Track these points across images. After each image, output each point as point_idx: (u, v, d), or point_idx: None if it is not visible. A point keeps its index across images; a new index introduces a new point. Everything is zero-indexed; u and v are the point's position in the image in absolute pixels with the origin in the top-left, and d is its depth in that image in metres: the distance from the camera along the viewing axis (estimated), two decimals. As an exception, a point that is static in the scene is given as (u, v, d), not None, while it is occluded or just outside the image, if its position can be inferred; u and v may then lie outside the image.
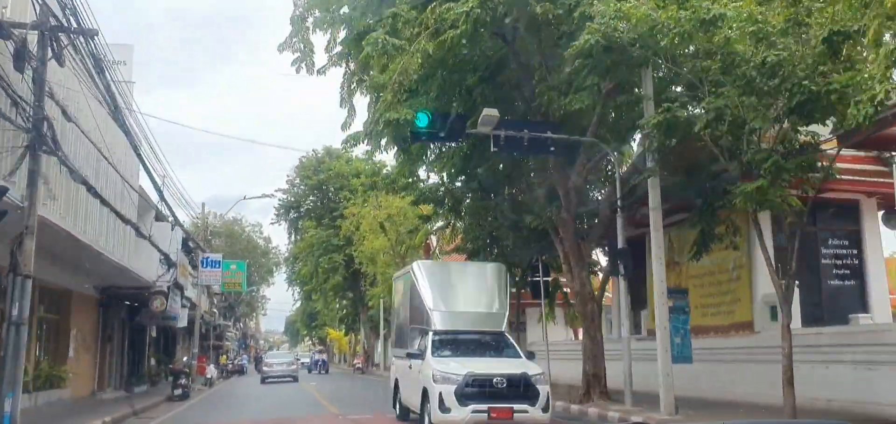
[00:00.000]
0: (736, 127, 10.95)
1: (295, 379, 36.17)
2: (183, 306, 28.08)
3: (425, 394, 11.88)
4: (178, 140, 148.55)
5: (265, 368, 38.44)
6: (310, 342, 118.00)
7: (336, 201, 50.50)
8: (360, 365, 49.95)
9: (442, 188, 23.20)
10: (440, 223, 27.12)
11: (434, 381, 11.56)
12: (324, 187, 51.81)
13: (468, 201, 22.48)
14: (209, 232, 55.01)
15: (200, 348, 53.08)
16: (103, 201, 15.37)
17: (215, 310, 44.76)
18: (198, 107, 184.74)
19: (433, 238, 31.41)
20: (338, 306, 59.41)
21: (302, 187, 51.83)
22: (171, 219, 25.03)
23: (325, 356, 56.41)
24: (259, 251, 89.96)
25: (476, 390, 11.31)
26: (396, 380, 14.86)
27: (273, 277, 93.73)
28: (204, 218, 34.44)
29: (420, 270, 14.39)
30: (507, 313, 14.18)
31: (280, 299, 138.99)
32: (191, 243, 29.81)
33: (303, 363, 53.88)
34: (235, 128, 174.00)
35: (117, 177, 19.82)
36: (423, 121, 14.32)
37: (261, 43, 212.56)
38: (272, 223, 52.23)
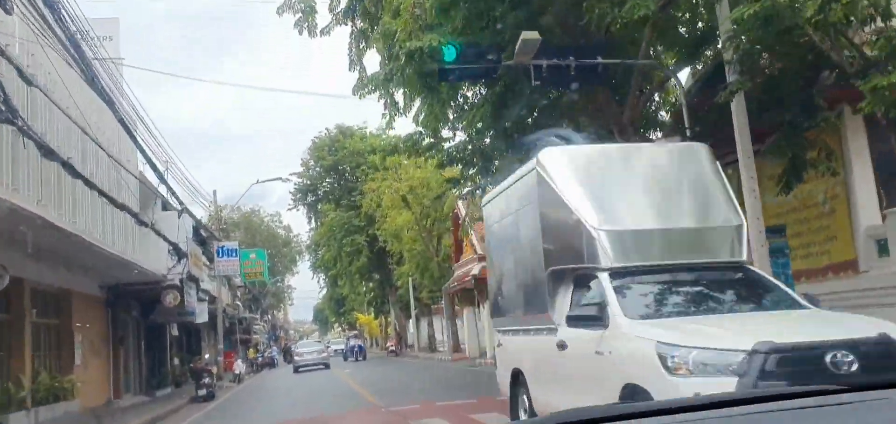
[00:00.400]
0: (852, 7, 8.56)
1: (326, 366, 35.89)
2: (200, 299, 26.18)
3: (634, 395, 5.72)
4: (176, 132, 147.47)
5: (296, 358, 38.29)
6: (339, 328, 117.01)
7: (353, 181, 48.45)
8: (393, 348, 48.15)
9: (469, 146, 20.93)
10: (468, 188, 24.89)
11: (669, 369, 5.52)
12: (340, 168, 49.75)
13: (500, 159, 20.28)
14: (225, 223, 53.60)
15: (227, 343, 51.64)
16: (87, 182, 13.27)
17: (239, 303, 43.02)
18: (195, 104, 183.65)
19: (461, 205, 29.17)
20: (364, 289, 57.55)
21: (317, 168, 49.83)
22: (178, 207, 23.03)
23: (360, 341, 54.73)
24: (280, 241, 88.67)
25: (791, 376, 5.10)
26: (517, 372, 8.62)
27: (297, 266, 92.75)
28: (216, 207, 32.48)
29: (559, 162, 7.76)
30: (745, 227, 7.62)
31: (306, 288, 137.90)
32: (202, 232, 27.79)
33: (336, 351, 51.92)
34: (237, 123, 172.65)
35: (112, 163, 17.81)
36: (450, 53, 12.00)
37: (261, 41, 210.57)
38: (289, 209, 49.94)
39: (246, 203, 62.92)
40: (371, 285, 53.95)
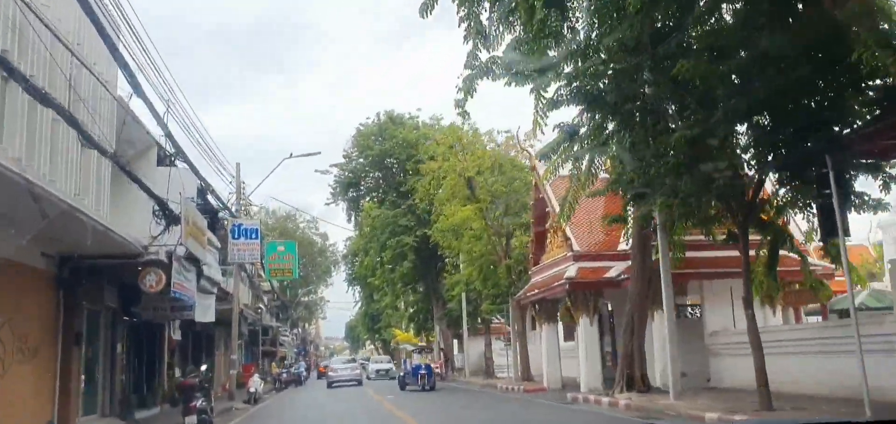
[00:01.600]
0: None
1: (359, 383, 36.78)
2: (204, 290, 19.39)
3: None
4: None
5: (331, 373, 38.94)
6: (370, 346, 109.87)
7: (402, 176, 41.63)
8: (438, 370, 40.94)
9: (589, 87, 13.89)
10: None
11: None
12: (386, 162, 42.94)
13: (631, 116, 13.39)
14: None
15: (247, 354, 45.08)
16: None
17: (262, 306, 36.26)
18: (241, 121, 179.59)
19: (549, 191, 22.04)
20: (406, 301, 50.49)
21: (361, 159, 43.01)
22: (175, 158, 16.28)
23: (428, 360, 48.17)
24: (315, 249, 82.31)
25: None
26: None
27: (331, 277, 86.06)
28: (239, 184, 25.80)
29: None
30: None
31: (339, 303, 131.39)
32: (210, 195, 20.90)
33: (378, 372, 46.47)
34: (276, 136, 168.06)
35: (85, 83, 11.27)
36: None
37: (301, 58, 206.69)
38: (328, 204, 42.88)
39: (271, 173, 56.15)
40: (414, 297, 46.83)
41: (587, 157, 15.83)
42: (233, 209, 24.47)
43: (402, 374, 26.92)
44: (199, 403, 15.30)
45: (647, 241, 17.21)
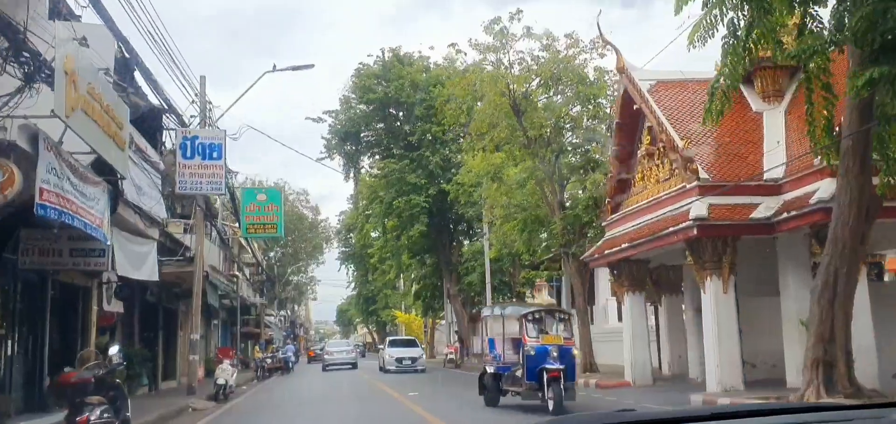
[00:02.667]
0: None
1: (354, 366, 35.77)
2: (135, 231, 12.15)
3: None
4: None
5: (326, 356, 38.22)
6: (365, 330, 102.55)
7: (410, 127, 34.43)
8: (452, 356, 33.84)
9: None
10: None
11: None
12: (391, 111, 35.65)
13: None
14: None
15: (225, 336, 37.91)
16: None
17: (239, 276, 28.90)
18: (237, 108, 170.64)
19: (652, 102, 14.93)
20: (414, 275, 43.33)
21: (361, 105, 35.56)
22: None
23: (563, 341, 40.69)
24: (306, 224, 74.97)
25: None
26: None
27: (322, 255, 78.71)
28: (203, 97, 18.32)
29: None
30: None
31: (331, 280, 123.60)
32: (151, 90, 13.37)
33: (403, 360, 39.58)
34: (278, 119, 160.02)
35: None
36: None
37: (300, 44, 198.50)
38: (321, 159, 35.33)
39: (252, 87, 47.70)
40: (422, 270, 39.62)
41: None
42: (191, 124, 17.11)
43: (494, 369, 13.93)
44: (93, 416, 8.17)
45: (868, 146, 10.18)
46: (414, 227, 32.90)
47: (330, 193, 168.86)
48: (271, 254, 74.02)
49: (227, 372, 19.21)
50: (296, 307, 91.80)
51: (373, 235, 62.13)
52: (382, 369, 30.49)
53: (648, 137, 15.76)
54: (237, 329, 34.64)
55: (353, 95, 35.60)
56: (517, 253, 23.26)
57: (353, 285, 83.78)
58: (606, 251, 16.67)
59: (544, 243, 21.69)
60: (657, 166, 15.57)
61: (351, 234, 77.03)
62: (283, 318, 76.39)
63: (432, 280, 39.54)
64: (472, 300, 34.77)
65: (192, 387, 18.91)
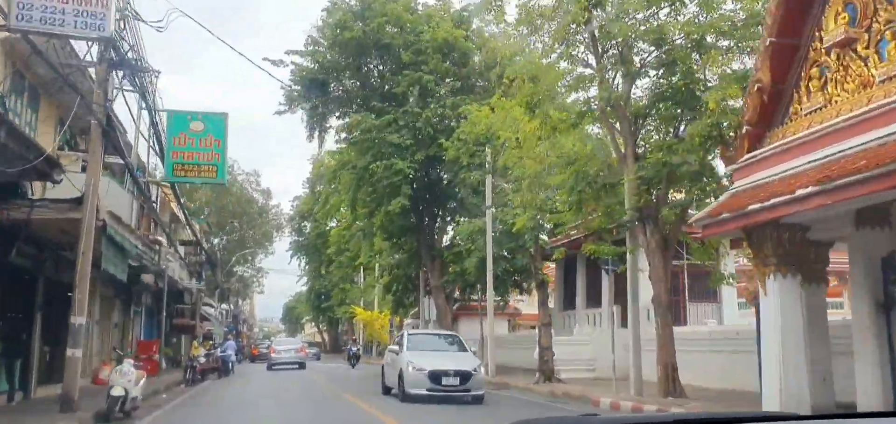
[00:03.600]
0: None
1: (302, 366, 32.76)
2: None
3: None
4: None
5: (273, 355, 35.32)
6: (312, 329, 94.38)
7: (395, 73, 27.61)
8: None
9: None
10: None
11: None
12: (369, 57, 28.72)
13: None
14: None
15: (150, 326, 30.27)
16: None
17: (162, 242, 21.33)
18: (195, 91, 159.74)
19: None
20: (383, 264, 36.26)
21: (333, 51, 28.42)
22: None
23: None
24: (255, 209, 67.07)
25: None
26: None
27: (272, 244, 70.80)
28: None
29: None
30: None
31: (277, 278, 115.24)
32: None
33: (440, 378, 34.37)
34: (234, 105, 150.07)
35: None
36: None
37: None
38: (281, 112, 27.90)
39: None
40: (399, 255, 32.66)
41: None
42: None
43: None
44: None
45: None
46: (394, 200, 26.04)
47: (285, 190, 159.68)
48: (216, 240, 66.10)
49: (126, 378, 12.02)
50: (239, 301, 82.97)
51: (332, 221, 55.00)
52: (390, 391, 16.34)
53: (844, 17, 9.44)
54: (162, 318, 27.09)
55: (322, 38, 28.50)
56: (558, 225, 16.53)
57: (304, 279, 76.09)
58: (750, 207, 10.22)
59: (600, 209, 15.12)
60: (862, 60, 9.26)
61: (305, 222, 69.45)
62: (224, 312, 68.12)
63: (408, 270, 32.67)
64: (464, 292, 28.17)
65: (70, 398, 11.76)
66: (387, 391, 16.53)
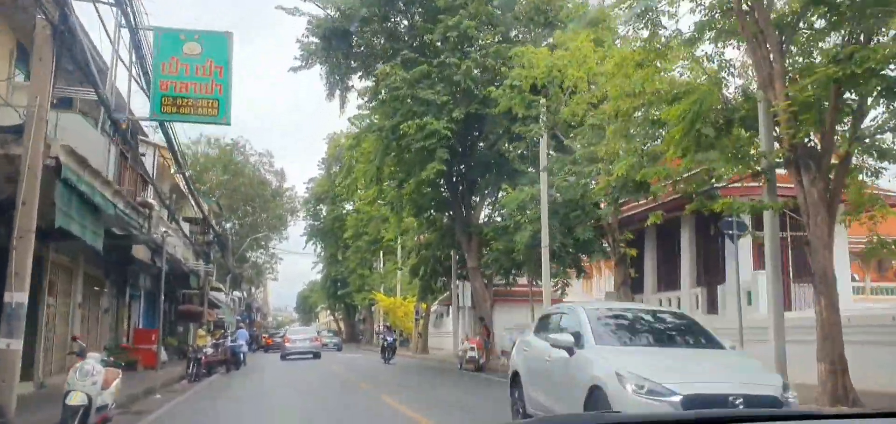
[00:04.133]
0: None
1: (317, 356, 31.11)
2: None
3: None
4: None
5: (287, 344, 33.17)
6: (330, 317, 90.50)
7: (425, 23, 23.85)
8: (475, 353, 23.27)
9: None
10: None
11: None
12: (394, 3, 24.93)
13: None
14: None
15: (149, 313, 26.73)
16: None
17: (153, 206, 17.51)
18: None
19: None
20: (412, 243, 32.57)
21: (356, -2, 24.55)
22: None
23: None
24: (268, 192, 63.75)
25: None
26: None
27: (286, 228, 67.42)
28: None
29: None
30: None
31: (291, 265, 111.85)
32: None
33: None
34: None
35: None
36: None
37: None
38: (297, 69, 23.96)
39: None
40: (432, 232, 28.90)
41: None
42: None
43: None
44: None
45: None
46: (428, 165, 22.31)
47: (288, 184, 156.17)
48: (228, 225, 62.78)
49: (89, 380, 8.40)
50: (253, 289, 79.39)
51: (352, 202, 51.31)
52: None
53: None
54: (161, 301, 23.55)
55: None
56: (664, 177, 12.69)
57: (320, 265, 72.51)
58: None
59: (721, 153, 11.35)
60: None
61: (321, 204, 65.82)
62: (237, 299, 64.90)
63: (437, 251, 28.94)
64: (508, 275, 24.43)
65: (3, 412, 8.16)
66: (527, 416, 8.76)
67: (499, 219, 24.32)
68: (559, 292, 22.99)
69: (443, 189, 25.74)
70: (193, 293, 30.70)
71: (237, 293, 61.45)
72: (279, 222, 63.30)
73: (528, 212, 19.90)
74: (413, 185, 23.82)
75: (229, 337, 25.19)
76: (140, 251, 19.00)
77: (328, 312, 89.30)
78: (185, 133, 52.13)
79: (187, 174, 25.30)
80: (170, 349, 25.80)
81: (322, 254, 68.33)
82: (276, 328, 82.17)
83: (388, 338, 28.54)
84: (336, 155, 60.21)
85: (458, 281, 28.82)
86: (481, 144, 25.27)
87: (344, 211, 61.39)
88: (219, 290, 34.50)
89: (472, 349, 23.26)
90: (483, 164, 24.58)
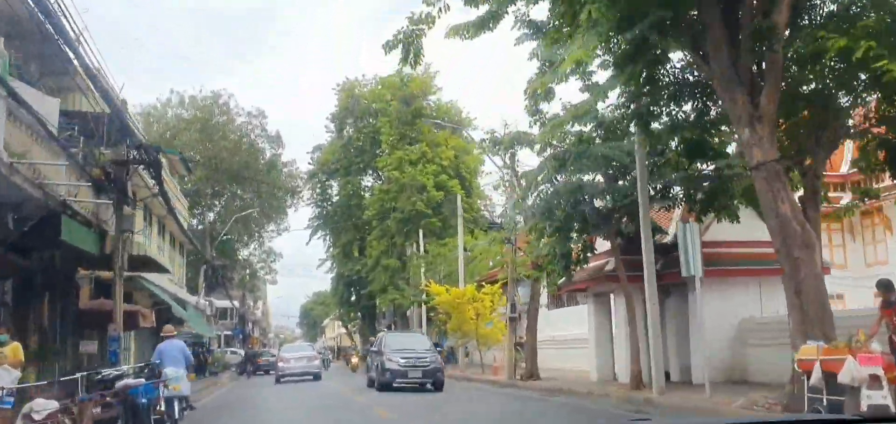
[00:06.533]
0: None
1: (317, 378, 27.96)
2: None
3: None
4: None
5: (281, 364, 29.26)
6: (342, 329, 72.48)
7: None
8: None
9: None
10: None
11: None
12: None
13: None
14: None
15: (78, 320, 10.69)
16: None
17: None
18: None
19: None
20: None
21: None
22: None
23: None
24: (263, 163, 47.73)
25: None
26: None
27: (286, 215, 51.12)
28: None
29: None
30: None
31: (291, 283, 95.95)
32: None
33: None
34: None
35: None
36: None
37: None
38: None
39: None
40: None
41: None
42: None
43: None
44: None
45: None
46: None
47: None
48: (211, 215, 46.94)
49: None
50: (249, 302, 61.51)
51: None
52: None
53: None
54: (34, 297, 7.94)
55: None
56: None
57: (329, 263, 54.95)
58: None
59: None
60: None
61: (330, 180, 50.07)
62: (228, 309, 48.75)
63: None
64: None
65: None
66: None
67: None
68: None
69: None
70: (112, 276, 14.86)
71: (225, 303, 45.40)
72: (276, 203, 47.28)
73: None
74: None
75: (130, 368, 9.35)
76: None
77: (339, 323, 72.23)
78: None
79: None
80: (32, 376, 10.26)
81: (331, 249, 50.88)
82: (264, 347, 64.07)
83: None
84: (350, 107, 44.41)
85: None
86: None
87: (362, 186, 45.77)
88: (165, 271, 18.36)
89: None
90: None
